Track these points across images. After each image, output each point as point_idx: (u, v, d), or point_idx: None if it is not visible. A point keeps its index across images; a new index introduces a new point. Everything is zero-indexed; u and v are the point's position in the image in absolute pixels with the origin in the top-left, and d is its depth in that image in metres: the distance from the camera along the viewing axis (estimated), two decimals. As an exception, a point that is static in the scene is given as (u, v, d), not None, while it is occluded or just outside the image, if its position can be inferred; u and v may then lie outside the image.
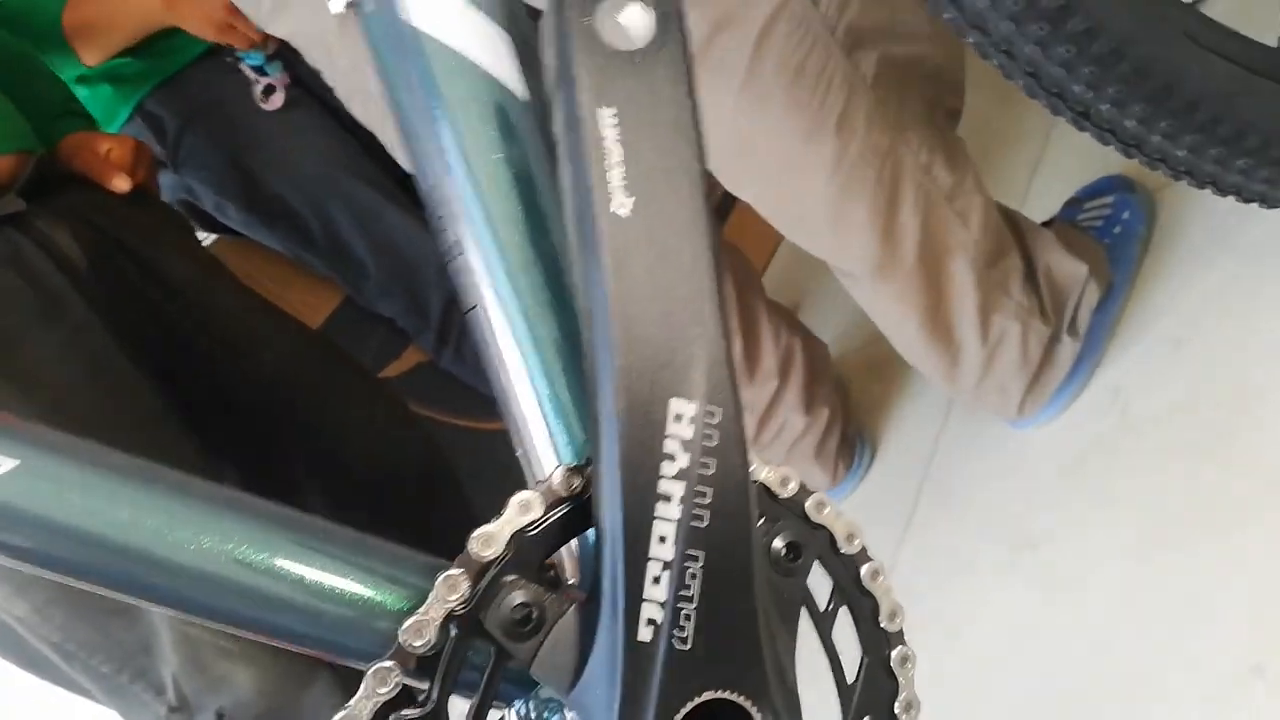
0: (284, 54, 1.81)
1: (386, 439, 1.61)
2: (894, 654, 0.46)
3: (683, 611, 0.38)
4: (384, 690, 0.38)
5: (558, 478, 0.41)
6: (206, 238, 2.02)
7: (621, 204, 0.36)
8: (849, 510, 1.40)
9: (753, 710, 0.39)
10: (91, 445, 0.43)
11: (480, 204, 0.44)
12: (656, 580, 0.38)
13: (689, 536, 0.39)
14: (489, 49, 0.43)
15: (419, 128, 0.45)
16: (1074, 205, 1.45)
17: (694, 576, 0.39)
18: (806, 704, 0.50)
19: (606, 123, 0.36)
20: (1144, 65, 0.63)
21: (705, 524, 0.39)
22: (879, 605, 0.46)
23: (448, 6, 0.43)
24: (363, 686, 0.38)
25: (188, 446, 1.42)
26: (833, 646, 0.46)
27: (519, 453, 0.47)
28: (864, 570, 0.46)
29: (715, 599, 0.39)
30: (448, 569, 0.39)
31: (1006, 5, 0.62)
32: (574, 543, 0.46)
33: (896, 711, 0.46)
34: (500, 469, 0.58)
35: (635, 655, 0.38)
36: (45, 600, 1.28)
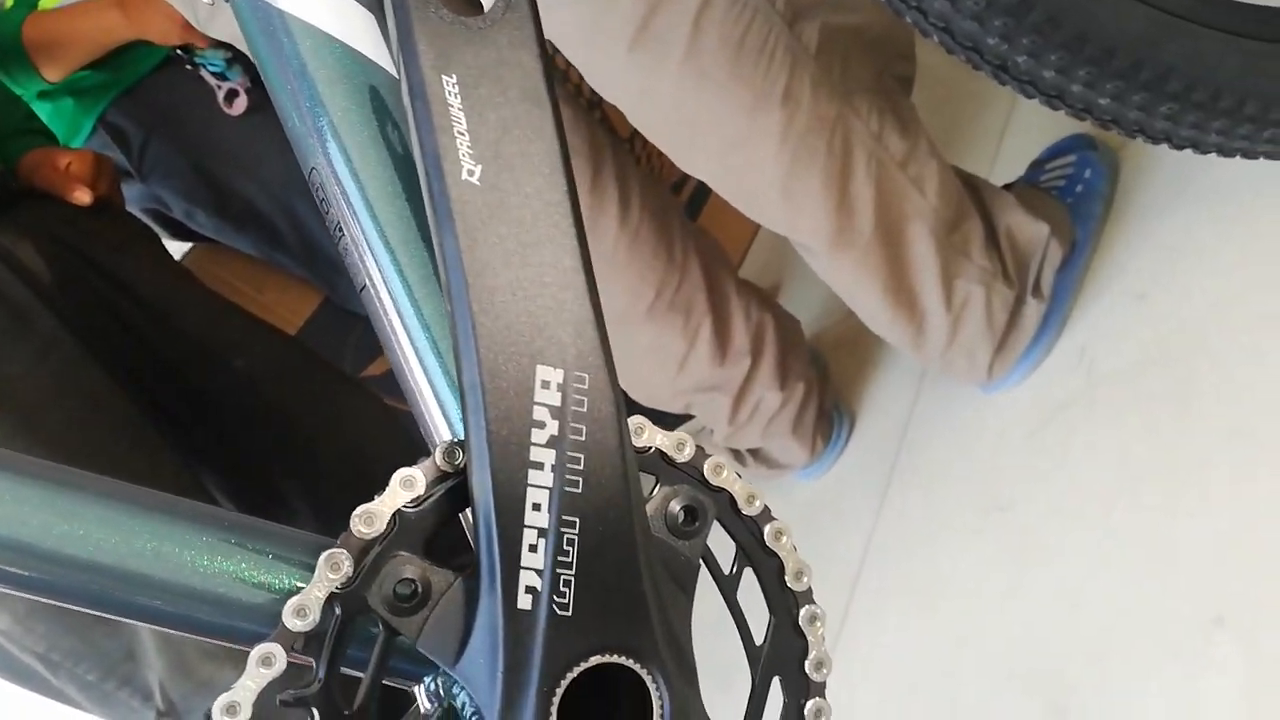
0: (243, 57, 1.81)
1: (366, 439, 1.61)
2: (802, 613, 0.46)
3: (562, 578, 0.38)
4: (268, 670, 0.38)
5: (440, 453, 0.41)
6: (181, 247, 2.03)
7: (469, 171, 0.36)
8: (827, 484, 1.41)
9: (641, 672, 0.39)
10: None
11: (356, 183, 0.44)
12: (533, 548, 0.38)
13: (564, 503, 0.38)
14: (355, 27, 0.43)
15: (293, 110, 0.44)
16: (1037, 167, 1.44)
17: (571, 543, 0.38)
18: (725, 667, 0.50)
19: (448, 90, 0.36)
20: (1056, 13, 0.62)
21: (580, 490, 0.39)
22: (784, 565, 0.46)
23: (312, -14, 0.43)
24: (247, 667, 0.38)
25: (164, 454, 1.43)
26: (738, 608, 0.46)
27: (421, 431, 0.47)
28: (767, 531, 0.46)
29: (595, 564, 0.39)
30: (331, 547, 0.39)
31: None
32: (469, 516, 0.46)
33: (807, 670, 0.46)
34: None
35: (516, 623, 0.38)
36: (26, 611, 1.28)
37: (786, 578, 0.46)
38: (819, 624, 0.46)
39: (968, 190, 1.27)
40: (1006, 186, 1.35)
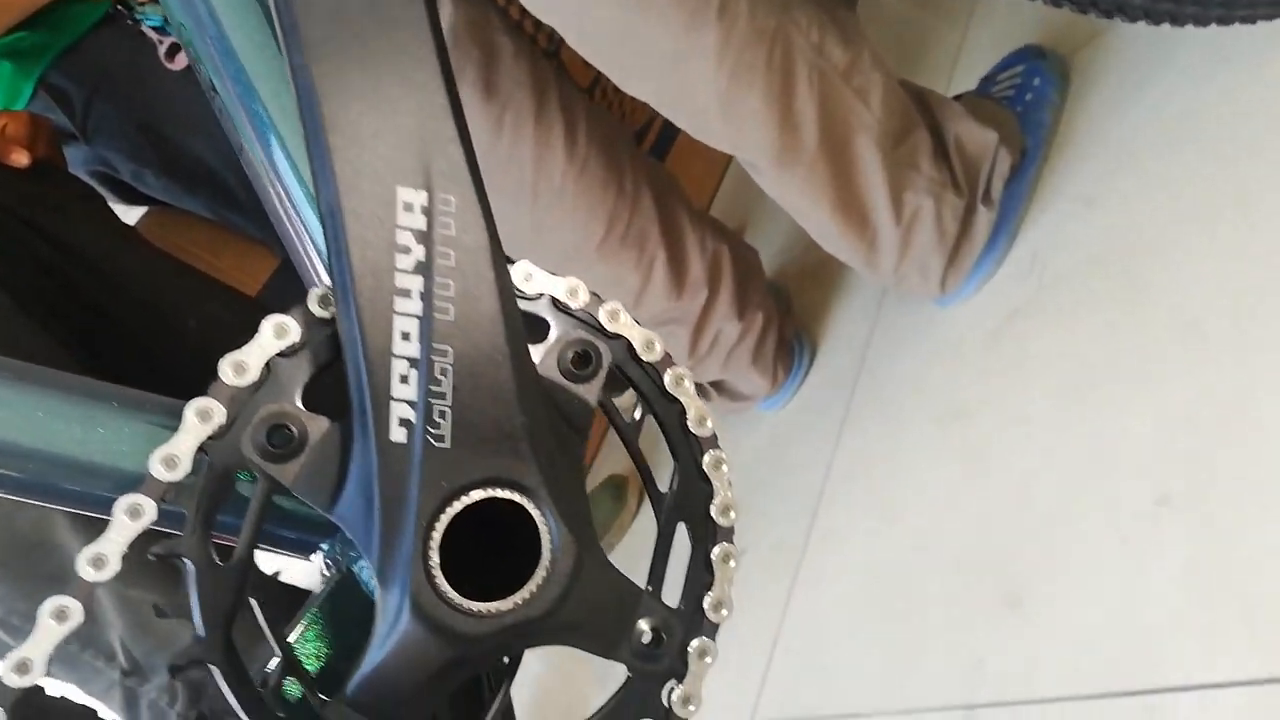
0: (180, 11, 1.76)
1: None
2: (706, 458, 0.45)
3: (436, 408, 0.37)
4: (136, 522, 0.37)
5: (314, 299, 0.39)
6: (136, 214, 1.99)
7: (313, -16, 0.34)
8: (790, 414, 1.40)
9: (527, 504, 0.38)
10: None
11: (220, 34, 0.42)
12: (404, 379, 0.37)
13: (434, 331, 0.37)
14: None
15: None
16: (987, 81, 1.42)
17: (445, 372, 0.37)
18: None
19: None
20: None
21: (452, 318, 0.37)
22: (685, 410, 0.45)
23: None
24: (113, 519, 0.36)
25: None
26: (641, 455, 0.45)
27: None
28: (667, 377, 0.45)
29: (471, 395, 0.37)
30: (199, 399, 0.38)
31: None
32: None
33: (714, 515, 0.45)
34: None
35: (389, 456, 0.36)
36: None
37: (689, 423, 0.45)
38: (724, 468, 0.45)
39: (914, 101, 1.26)
40: (955, 98, 1.33)
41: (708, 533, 0.44)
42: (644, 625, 0.42)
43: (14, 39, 1.78)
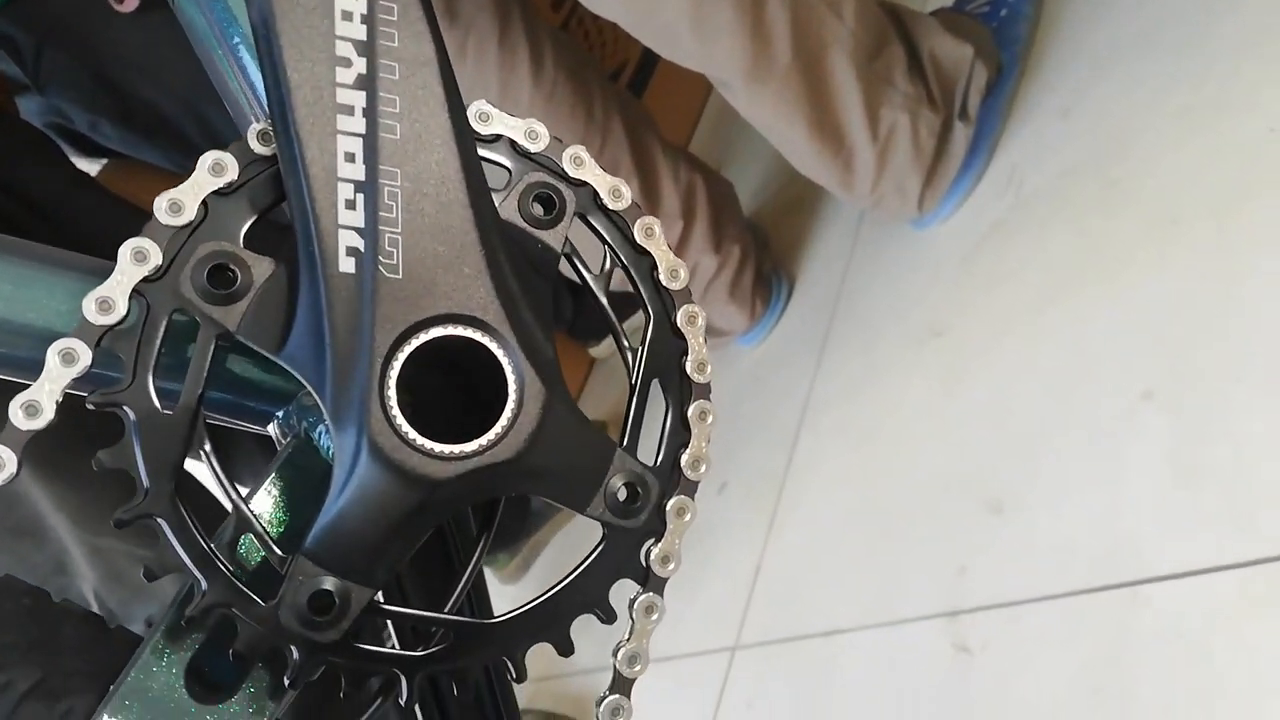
0: (130, -50, 1.70)
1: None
2: (680, 313, 0.43)
3: (386, 235, 0.34)
4: (70, 369, 0.34)
5: (253, 133, 0.36)
6: (94, 165, 1.93)
7: None
8: (770, 348, 1.38)
9: (489, 343, 0.36)
10: None
11: None
12: (350, 204, 0.34)
13: (381, 151, 0.34)
14: None
15: None
16: (960, 1, 1.40)
17: (394, 197, 0.34)
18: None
19: None
20: None
21: (398, 138, 0.35)
22: (657, 263, 0.43)
23: None
24: (46, 366, 0.34)
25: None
26: (608, 309, 0.42)
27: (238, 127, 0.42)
28: (637, 227, 0.42)
29: (424, 222, 0.35)
30: (133, 240, 0.35)
31: None
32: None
33: (689, 371, 0.43)
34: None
35: (339, 289, 0.34)
36: None
37: (660, 276, 0.43)
38: (700, 323, 0.43)
39: (888, 16, 1.23)
40: (931, 14, 1.31)
41: (683, 390, 0.42)
42: (619, 482, 0.40)
43: (-43, -15, 1.72)
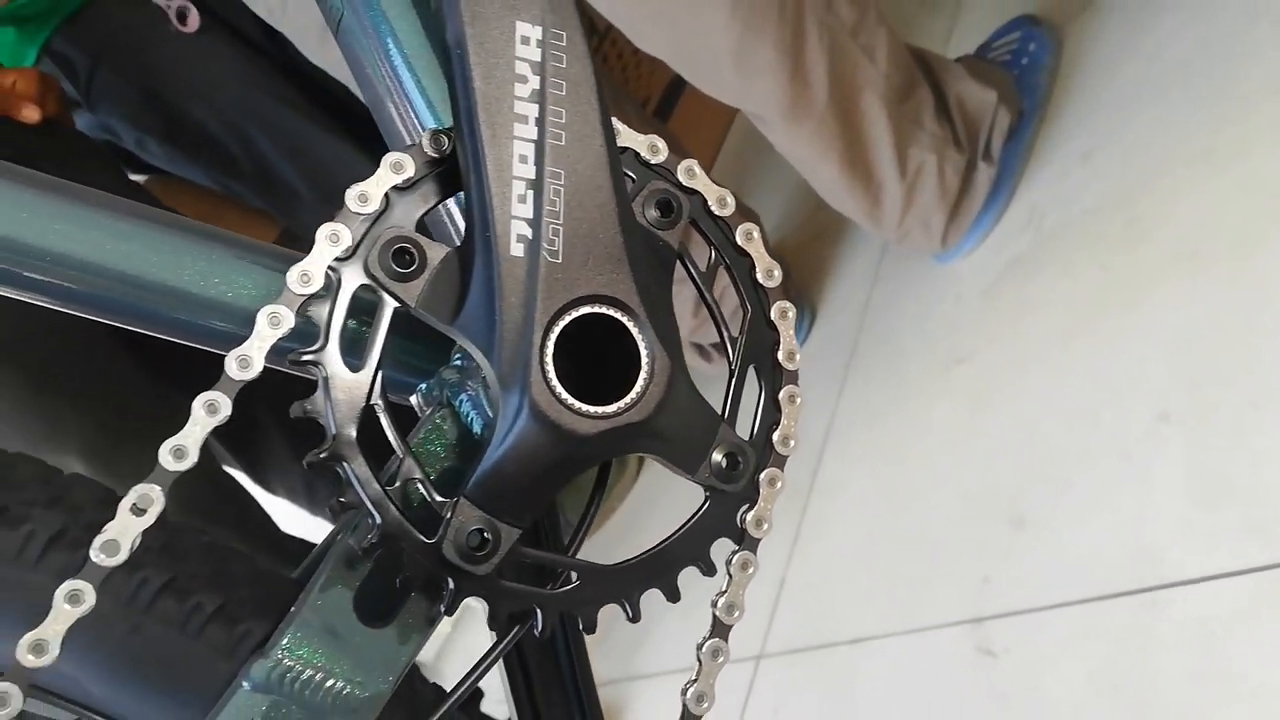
0: (189, -25, 1.78)
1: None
2: (774, 308, 0.49)
3: (550, 226, 0.41)
4: (275, 330, 0.40)
5: (426, 138, 0.43)
6: (137, 180, 2.00)
7: None
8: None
9: (627, 322, 0.42)
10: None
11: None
12: (522, 199, 0.41)
13: (548, 155, 0.41)
14: None
15: None
16: (984, 49, 1.48)
17: (558, 193, 0.41)
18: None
19: None
20: None
21: (563, 144, 0.41)
22: (755, 263, 0.49)
23: None
24: (256, 327, 0.40)
25: (141, 376, 1.43)
26: (714, 302, 0.49)
27: (401, 135, 0.49)
28: (739, 231, 0.48)
29: (580, 216, 0.41)
30: (328, 224, 0.41)
31: None
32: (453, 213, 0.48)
33: (780, 360, 0.49)
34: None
35: (510, 270, 0.40)
36: None
37: (758, 275, 0.49)
38: (789, 318, 0.49)
39: (917, 61, 1.31)
40: (956, 60, 1.38)
41: (775, 375, 0.48)
42: (721, 451, 0.46)
43: (18, 4, 1.79)
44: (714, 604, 0.47)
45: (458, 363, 0.47)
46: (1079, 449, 0.96)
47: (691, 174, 0.48)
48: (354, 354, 0.41)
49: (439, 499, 0.41)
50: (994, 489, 1.02)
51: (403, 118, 0.48)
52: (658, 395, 0.42)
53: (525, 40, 0.40)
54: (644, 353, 0.42)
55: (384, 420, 0.41)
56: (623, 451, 0.43)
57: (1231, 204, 0.98)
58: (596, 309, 0.41)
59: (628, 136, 0.47)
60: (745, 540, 0.47)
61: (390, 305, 0.41)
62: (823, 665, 1.11)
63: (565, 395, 0.40)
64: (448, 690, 0.47)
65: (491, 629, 0.43)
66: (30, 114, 1.50)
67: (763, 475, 0.47)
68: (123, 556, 0.38)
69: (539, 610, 0.42)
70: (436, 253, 0.42)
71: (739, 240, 0.49)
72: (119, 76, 1.85)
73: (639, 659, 1.37)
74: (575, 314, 0.41)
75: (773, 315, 0.49)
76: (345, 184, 0.42)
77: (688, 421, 0.44)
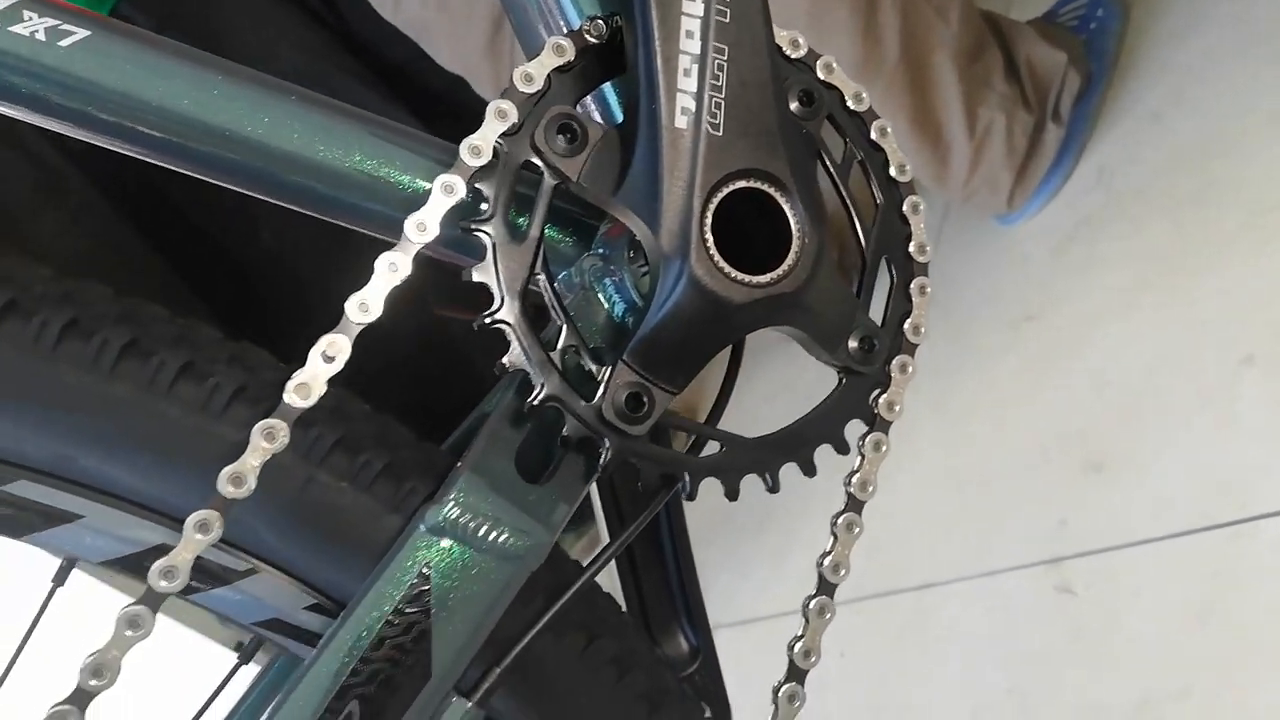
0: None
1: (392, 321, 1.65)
2: (905, 202, 0.50)
3: (713, 99, 0.42)
4: (450, 198, 0.42)
5: (586, 24, 0.45)
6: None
7: None
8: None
9: (780, 197, 0.44)
10: (145, 31, 0.47)
11: None
12: (687, 72, 0.42)
13: (713, 31, 0.43)
14: None
15: None
16: (1050, 15, 1.48)
17: (721, 69, 0.43)
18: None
19: None
20: None
21: (728, 21, 0.43)
22: (889, 158, 0.50)
23: None
24: (430, 199, 0.42)
25: (199, 318, 1.47)
26: (850, 194, 0.50)
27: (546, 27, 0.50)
28: (873, 127, 0.50)
29: (741, 92, 0.43)
30: (497, 100, 0.43)
31: None
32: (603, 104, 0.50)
33: (912, 253, 0.50)
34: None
35: (674, 141, 0.42)
36: None
37: (891, 170, 0.50)
38: (921, 212, 0.50)
39: (988, 23, 1.31)
40: (1027, 23, 1.39)
41: (907, 266, 0.50)
42: (856, 336, 0.47)
43: (91, -30, 1.83)
44: (846, 483, 0.49)
45: (601, 251, 0.49)
46: (1156, 395, 0.97)
47: (830, 69, 0.49)
48: (513, 231, 0.43)
49: (593, 367, 0.43)
50: (1068, 436, 1.03)
51: (544, 14, 0.50)
52: (807, 269, 0.44)
53: (691, -78, 0.42)
54: (795, 227, 0.44)
55: (545, 290, 0.43)
56: (771, 323, 0.44)
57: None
58: (752, 183, 0.43)
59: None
60: (877, 423, 0.49)
61: (551, 182, 0.43)
62: (892, 610, 1.12)
63: (723, 263, 0.42)
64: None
65: (640, 493, 0.45)
66: None
67: (894, 361, 0.49)
68: (313, 399, 0.40)
69: (687, 474, 0.44)
70: (596, 131, 0.44)
71: (873, 135, 0.50)
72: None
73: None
74: (733, 186, 0.43)
75: (905, 209, 0.50)
76: None
77: (831, 299, 0.46)
